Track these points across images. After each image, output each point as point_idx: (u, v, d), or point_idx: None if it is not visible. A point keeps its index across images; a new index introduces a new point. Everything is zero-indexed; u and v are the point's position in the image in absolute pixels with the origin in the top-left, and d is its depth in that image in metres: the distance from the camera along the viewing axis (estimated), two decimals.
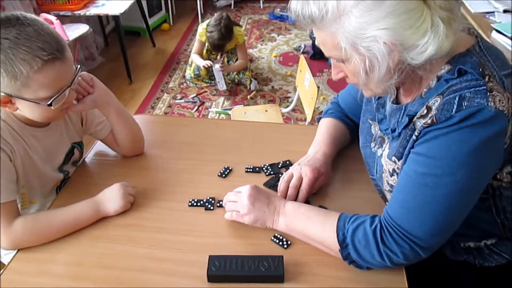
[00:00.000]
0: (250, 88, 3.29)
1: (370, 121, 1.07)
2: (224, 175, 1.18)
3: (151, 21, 4.12)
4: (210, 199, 1.09)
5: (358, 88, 0.95)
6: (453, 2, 0.78)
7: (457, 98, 0.76)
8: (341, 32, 0.78)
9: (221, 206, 1.08)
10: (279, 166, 1.20)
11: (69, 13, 3.14)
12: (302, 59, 2.20)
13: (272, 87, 3.36)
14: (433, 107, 0.80)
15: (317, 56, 3.66)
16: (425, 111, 0.82)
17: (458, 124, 0.76)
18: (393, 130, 0.92)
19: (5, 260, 1.22)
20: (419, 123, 0.82)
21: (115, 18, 3.22)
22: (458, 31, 0.79)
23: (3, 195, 0.97)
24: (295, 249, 0.97)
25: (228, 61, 3.30)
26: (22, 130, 1.04)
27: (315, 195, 1.11)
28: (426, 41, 0.75)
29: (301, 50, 3.83)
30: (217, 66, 3.13)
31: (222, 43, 3.05)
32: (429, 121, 0.79)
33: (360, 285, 0.89)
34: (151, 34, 4.06)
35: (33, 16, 0.95)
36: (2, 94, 0.94)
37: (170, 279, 0.92)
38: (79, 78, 1.06)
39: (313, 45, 3.63)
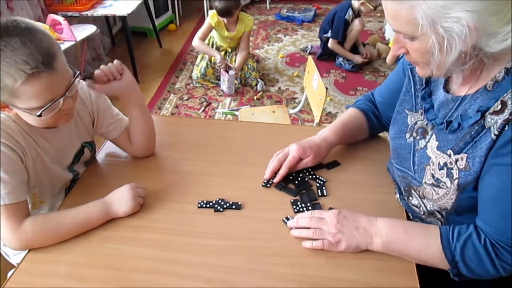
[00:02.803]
0: (256, 89, 3.28)
1: (407, 111, 1.04)
2: (268, 185, 1.15)
3: (157, 22, 4.13)
4: (220, 201, 1.09)
5: (416, 66, 0.90)
6: None
7: None
8: (422, 7, 0.74)
9: (229, 207, 1.07)
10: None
11: (76, 14, 3.15)
12: (310, 60, 2.19)
13: (279, 88, 3.35)
14: (509, 102, 0.77)
15: (324, 57, 3.65)
16: (500, 107, 0.79)
17: None
18: (449, 122, 0.88)
19: (14, 261, 1.22)
20: (492, 120, 0.79)
21: (123, 18, 3.23)
22: None
23: (13, 195, 0.97)
24: (305, 251, 0.96)
25: (235, 60, 3.29)
26: (32, 131, 1.04)
27: (325, 197, 1.11)
28: (509, 30, 0.73)
29: (308, 51, 3.82)
30: (232, 72, 3.13)
31: (229, 4, 3.02)
32: (510, 117, 0.76)
33: (373, 286, 0.89)
34: (158, 34, 4.07)
35: (27, 23, 0.92)
36: None
37: (179, 280, 0.91)
38: (80, 82, 1.04)
39: (322, 45, 3.62)
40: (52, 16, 2.84)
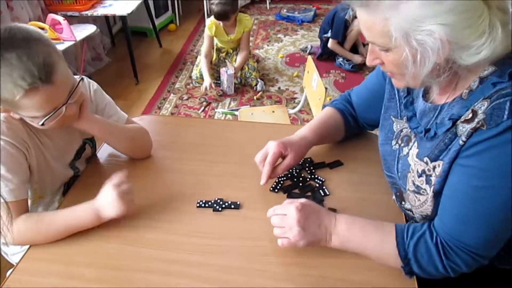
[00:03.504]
0: (256, 89, 3.29)
1: (393, 118, 1.04)
2: (276, 190, 1.14)
3: (157, 22, 4.13)
4: (219, 200, 1.09)
5: (392, 77, 0.91)
6: (509, 2, 0.75)
7: (508, 103, 0.73)
8: (395, 20, 0.74)
9: (228, 207, 1.08)
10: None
11: (76, 14, 3.14)
12: (310, 60, 2.19)
13: (279, 88, 3.35)
14: (480, 111, 0.77)
15: (324, 57, 3.65)
16: (470, 115, 0.79)
17: (510, 131, 0.73)
18: (427, 130, 0.89)
19: (13, 260, 1.22)
20: (463, 128, 0.80)
21: (123, 18, 3.23)
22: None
23: (15, 194, 0.98)
24: (304, 251, 0.96)
25: (235, 60, 3.30)
26: (35, 128, 1.04)
27: (327, 196, 1.11)
28: (482, 43, 0.73)
29: (308, 51, 3.82)
30: (230, 72, 3.13)
31: (226, 8, 3.01)
32: (477, 126, 0.76)
33: (371, 286, 0.89)
34: (158, 34, 4.07)
35: (24, 33, 0.90)
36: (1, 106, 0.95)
37: (178, 280, 0.91)
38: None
39: (322, 45, 3.62)
40: (52, 15, 2.84)
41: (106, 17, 3.83)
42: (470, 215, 0.81)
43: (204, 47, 3.26)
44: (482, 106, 0.77)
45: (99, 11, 3.18)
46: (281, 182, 1.16)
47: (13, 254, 1.21)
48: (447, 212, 0.85)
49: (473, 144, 0.78)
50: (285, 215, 0.94)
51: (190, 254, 0.96)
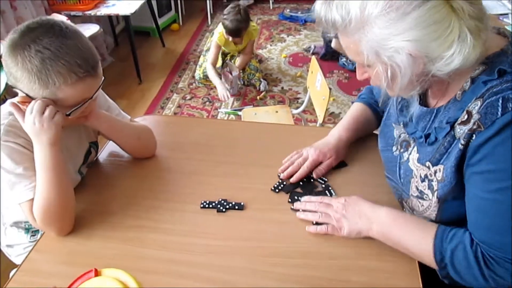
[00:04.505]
0: (259, 89, 3.28)
1: (394, 124, 1.05)
2: (277, 190, 1.13)
3: (160, 21, 4.13)
4: (222, 201, 1.08)
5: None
6: (483, 10, 0.76)
7: (500, 101, 0.74)
8: (364, 40, 0.77)
9: (232, 208, 1.07)
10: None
11: (79, 13, 3.15)
12: (314, 60, 2.18)
13: (282, 88, 3.35)
14: (474, 111, 0.78)
15: (327, 57, 3.64)
16: (466, 117, 0.79)
17: (508, 128, 0.73)
18: (427, 136, 0.90)
19: (17, 261, 1.22)
20: (460, 130, 0.80)
21: (126, 18, 3.23)
22: (488, 36, 0.77)
23: (33, 192, 0.98)
24: (308, 252, 0.96)
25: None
26: None
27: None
28: (452, 53, 0.73)
29: (311, 51, 3.81)
30: (235, 74, 3.12)
31: (240, 25, 2.97)
32: (474, 127, 0.77)
33: (375, 287, 0.88)
34: (161, 34, 4.07)
35: (75, 27, 0.96)
36: (23, 94, 0.95)
37: (182, 281, 0.91)
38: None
39: (326, 45, 3.61)
40: (55, 15, 2.84)
41: (109, 17, 3.83)
42: (502, 222, 0.78)
43: (211, 56, 3.16)
44: (475, 106, 0.78)
45: (102, 10, 3.18)
46: (284, 182, 1.15)
47: (17, 255, 1.21)
48: (478, 225, 0.82)
49: (477, 148, 0.77)
50: (330, 204, 1.01)
51: (193, 255, 0.96)
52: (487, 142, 0.76)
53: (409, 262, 0.92)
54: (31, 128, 0.95)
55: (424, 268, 0.91)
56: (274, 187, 1.14)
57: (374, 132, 1.31)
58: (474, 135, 0.77)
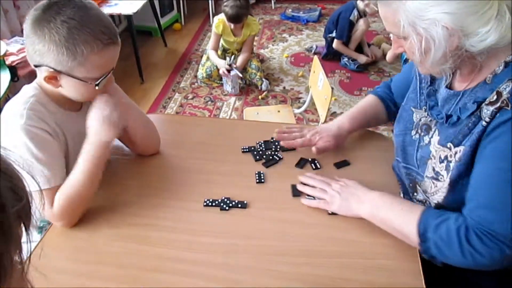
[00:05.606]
0: (261, 89, 3.28)
1: (413, 109, 1.06)
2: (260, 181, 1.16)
3: (162, 21, 4.13)
4: (226, 199, 1.09)
5: (416, 65, 0.95)
6: None
7: None
8: (402, 10, 0.79)
9: (235, 206, 1.07)
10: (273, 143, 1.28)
11: None
12: (316, 60, 2.18)
13: (284, 87, 3.35)
14: (504, 92, 0.78)
15: (329, 57, 3.64)
16: (495, 97, 0.80)
17: None
18: (449, 116, 0.90)
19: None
20: (487, 110, 0.80)
21: (128, 17, 3.23)
22: None
23: (56, 179, 1.00)
24: (311, 250, 0.96)
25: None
26: (60, 119, 1.06)
27: None
28: (488, 30, 0.74)
29: (313, 51, 3.81)
30: (236, 72, 3.13)
31: (241, 11, 3.04)
32: (501, 105, 0.77)
33: (378, 286, 0.88)
34: (163, 33, 4.07)
35: (86, 1, 0.98)
36: (51, 70, 0.96)
37: (185, 279, 0.91)
38: None
39: (327, 45, 3.62)
40: None
41: (112, 16, 3.82)
42: (500, 200, 0.79)
43: (210, 43, 3.28)
44: (507, 87, 0.78)
45: (105, 10, 3.18)
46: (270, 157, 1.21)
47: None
48: (475, 201, 0.83)
49: (496, 126, 0.78)
50: (330, 184, 1.06)
51: (196, 253, 0.96)
52: (509, 120, 0.76)
53: (412, 261, 0.92)
54: (97, 122, 1.00)
55: (426, 267, 0.91)
56: (257, 158, 1.22)
57: (378, 131, 1.32)
58: (498, 114, 0.78)
